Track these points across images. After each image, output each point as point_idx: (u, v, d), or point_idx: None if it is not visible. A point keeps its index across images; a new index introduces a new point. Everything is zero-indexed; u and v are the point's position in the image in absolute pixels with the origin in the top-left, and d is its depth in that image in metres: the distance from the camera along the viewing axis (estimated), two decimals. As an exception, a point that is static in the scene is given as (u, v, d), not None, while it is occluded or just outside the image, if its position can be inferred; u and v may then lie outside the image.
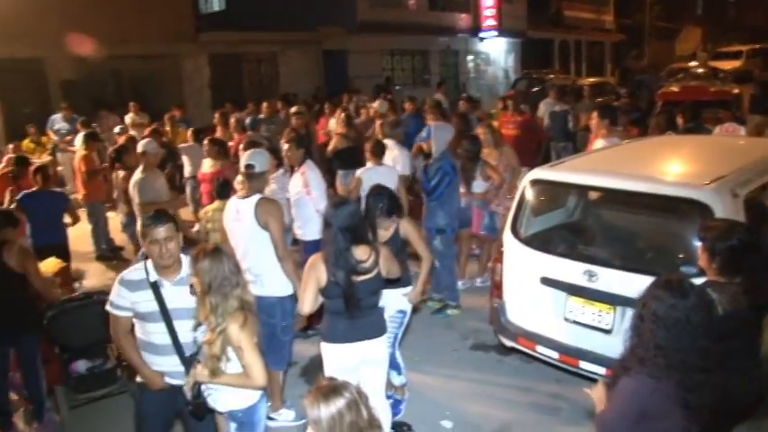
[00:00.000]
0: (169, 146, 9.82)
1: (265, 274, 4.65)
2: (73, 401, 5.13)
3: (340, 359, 3.92)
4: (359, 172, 6.90)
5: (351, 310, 3.80)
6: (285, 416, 4.98)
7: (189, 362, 3.47)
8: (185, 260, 3.55)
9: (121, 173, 7.61)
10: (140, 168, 6.86)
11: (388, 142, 7.65)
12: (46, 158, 11.93)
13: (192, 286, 3.34)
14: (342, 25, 20.29)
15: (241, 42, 18.41)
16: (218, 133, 10.18)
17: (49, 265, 5.95)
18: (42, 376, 5.03)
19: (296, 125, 9.87)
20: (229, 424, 3.46)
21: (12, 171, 8.29)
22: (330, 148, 9.57)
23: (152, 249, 3.43)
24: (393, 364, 4.84)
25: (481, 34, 26.76)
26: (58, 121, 13.13)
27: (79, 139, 10.68)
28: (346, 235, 3.74)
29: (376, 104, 11.25)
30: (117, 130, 11.34)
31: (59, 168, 12.70)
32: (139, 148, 7.08)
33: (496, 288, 5.41)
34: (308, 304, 3.83)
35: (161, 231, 3.41)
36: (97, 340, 5.10)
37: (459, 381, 5.54)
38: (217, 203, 6.22)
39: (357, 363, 3.94)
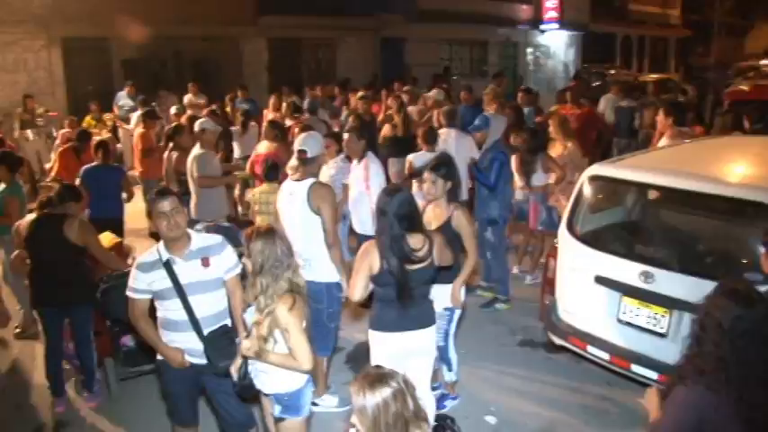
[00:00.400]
0: (226, 127, 9.90)
1: (315, 259, 4.64)
2: (121, 374, 5.24)
3: (388, 348, 3.89)
4: (411, 157, 6.91)
5: (402, 299, 3.76)
6: (328, 402, 4.98)
7: (207, 339, 3.52)
8: (194, 235, 3.69)
9: (175, 153, 7.69)
10: (198, 145, 6.97)
11: (450, 131, 7.60)
12: (106, 135, 12.20)
13: (204, 259, 3.42)
14: (401, 13, 20.18)
15: (300, 27, 18.46)
16: (269, 116, 10.24)
17: (104, 240, 6.06)
18: (93, 348, 5.15)
19: (361, 110, 9.83)
20: (274, 406, 3.47)
21: (74, 146, 8.47)
22: (382, 135, 9.57)
23: (160, 223, 3.54)
24: (445, 360, 4.80)
25: (542, 26, 26.33)
26: (123, 97, 13.56)
27: (137, 117, 10.94)
28: (402, 222, 3.70)
29: (433, 93, 11.15)
30: (174, 110, 11.50)
31: (118, 145, 13.00)
32: (197, 126, 7.18)
33: (548, 284, 5.30)
34: (358, 291, 3.80)
35: (167, 204, 3.52)
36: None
37: (505, 376, 5.47)
38: (265, 186, 6.26)
39: (405, 352, 3.90)
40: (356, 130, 5.98)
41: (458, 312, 4.75)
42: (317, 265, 4.65)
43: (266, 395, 3.54)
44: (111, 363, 5.22)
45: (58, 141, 9.87)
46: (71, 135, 9.99)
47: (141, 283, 3.62)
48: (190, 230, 3.70)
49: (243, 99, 12.98)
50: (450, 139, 7.53)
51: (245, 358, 3.39)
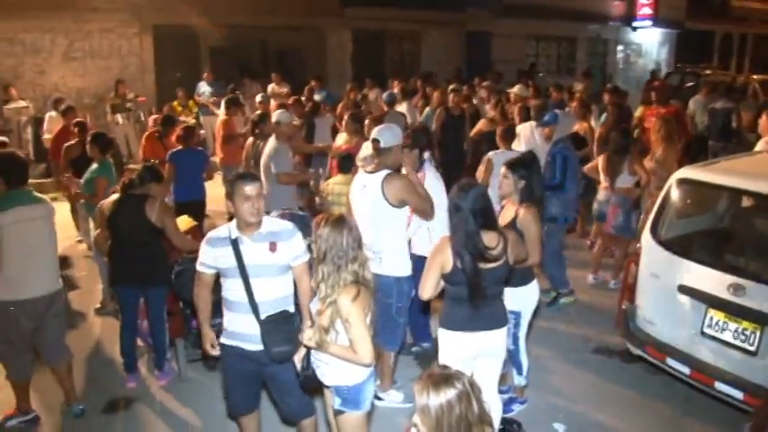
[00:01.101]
0: (308, 117, 9.97)
1: (385, 252, 4.59)
2: (191, 355, 5.35)
3: (456, 347, 3.81)
4: (490, 154, 6.82)
5: (474, 299, 3.67)
6: (393, 397, 4.93)
7: (263, 322, 3.50)
8: (266, 219, 3.72)
9: (261, 143, 7.77)
10: (273, 137, 6.98)
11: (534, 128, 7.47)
12: (191, 121, 12.55)
13: (272, 244, 3.50)
14: (487, 7, 19.90)
15: (385, 19, 18.47)
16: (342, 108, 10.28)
17: (181, 223, 6.19)
18: (166, 328, 5.28)
19: (451, 104, 9.70)
20: (334, 399, 3.44)
21: (158, 130, 8.72)
22: (475, 130, 9.45)
23: (242, 206, 3.53)
24: (515, 363, 4.68)
25: (635, 23, 25.39)
26: (203, 86, 13.96)
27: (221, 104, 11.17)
28: (477, 218, 3.62)
29: (516, 89, 10.92)
30: (258, 98, 11.70)
31: (201, 131, 13.35)
32: (273, 117, 7.22)
33: (628, 291, 5.09)
34: (428, 289, 3.73)
35: (251, 189, 3.53)
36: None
37: (577, 383, 5.28)
38: (339, 177, 6.26)
39: (474, 353, 3.82)
40: (408, 139, 5.61)
41: (527, 316, 4.62)
42: (387, 258, 4.60)
43: (327, 387, 3.51)
44: (181, 343, 5.33)
45: (149, 125, 10.19)
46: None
47: (208, 258, 3.70)
48: (265, 215, 3.73)
49: (318, 89, 13.08)
50: (536, 135, 7.52)
51: (308, 348, 3.37)
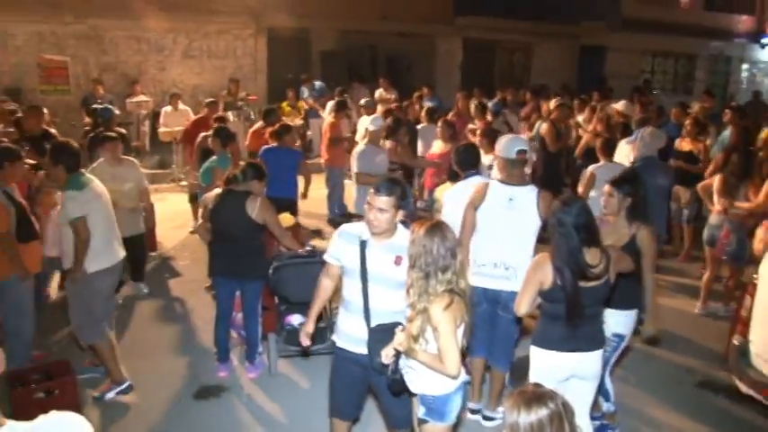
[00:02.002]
0: (411, 124, 9.97)
1: (521, 269, 4.33)
2: (282, 351, 5.41)
3: (550, 367, 3.66)
4: (592, 168, 6.63)
5: (571, 318, 3.52)
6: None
7: (372, 330, 3.43)
8: (401, 230, 3.53)
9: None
10: (365, 141, 7.16)
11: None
12: (298, 122, 12.83)
13: (398, 257, 3.36)
14: (603, 20, 19.34)
15: (497, 30, 18.30)
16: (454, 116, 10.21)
17: (283, 220, 6.28)
18: (259, 322, 5.38)
19: (554, 117, 9.47)
20: (420, 407, 3.37)
21: (263, 126, 8.92)
22: (581, 144, 9.20)
23: (368, 213, 3.46)
24: (601, 390, 4.46)
25: (763, 40, 23.99)
26: (304, 91, 14.24)
27: (329, 107, 11.37)
28: (580, 234, 3.48)
29: (619, 105, 10.48)
30: (362, 102, 11.79)
31: (309, 133, 13.65)
32: (367, 123, 7.34)
33: (741, 324, 4.75)
34: (525, 305, 3.62)
35: (380, 200, 3.41)
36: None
37: (675, 418, 4.96)
38: (449, 185, 6.13)
39: (567, 374, 3.66)
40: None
41: (626, 341, 4.40)
42: (521, 274, 4.44)
43: (413, 395, 3.45)
44: (273, 338, 5.40)
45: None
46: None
47: (336, 249, 3.68)
48: (401, 225, 3.58)
49: (429, 97, 13.07)
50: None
51: (398, 353, 3.31)
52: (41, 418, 1.81)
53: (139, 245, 6.97)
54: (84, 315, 5.01)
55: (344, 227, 3.75)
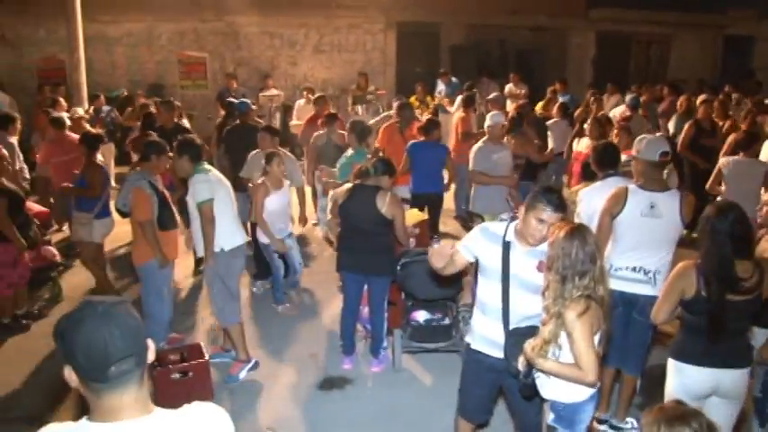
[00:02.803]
0: (539, 119, 9.73)
1: (662, 273, 4.28)
2: (407, 347, 5.46)
3: (688, 382, 3.50)
4: (722, 162, 6.25)
5: (714, 332, 3.35)
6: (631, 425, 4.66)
7: (510, 333, 3.36)
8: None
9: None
10: (484, 138, 7.07)
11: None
12: (427, 117, 12.80)
13: (541, 263, 3.25)
14: (752, 8, 18.00)
15: (632, 21, 17.53)
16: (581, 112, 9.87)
17: (410, 216, 6.33)
18: (385, 317, 5.46)
19: (701, 116, 8.94)
20: (550, 413, 3.30)
21: (398, 122, 8.95)
22: (726, 144, 8.64)
23: (530, 222, 3.29)
24: (759, 412, 4.15)
25: None
26: (439, 84, 14.18)
27: (458, 101, 11.32)
28: (735, 244, 3.30)
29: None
30: (491, 97, 11.62)
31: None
32: (487, 119, 7.18)
33: None
34: (664, 313, 3.49)
35: (550, 215, 3.24)
36: (440, 296, 5.36)
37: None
38: (583, 185, 5.95)
39: (706, 391, 3.48)
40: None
41: None
42: (660, 279, 4.29)
43: (544, 400, 3.37)
44: (399, 334, 5.45)
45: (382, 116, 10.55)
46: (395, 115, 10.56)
47: (475, 245, 3.56)
48: None
49: (562, 92, 12.73)
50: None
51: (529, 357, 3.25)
52: (186, 408, 1.90)
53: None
54: (224, 296, 5.35)
55: (488, 225, 3.66)
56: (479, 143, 7.01)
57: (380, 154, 7.24)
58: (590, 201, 4.76)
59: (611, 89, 13.17)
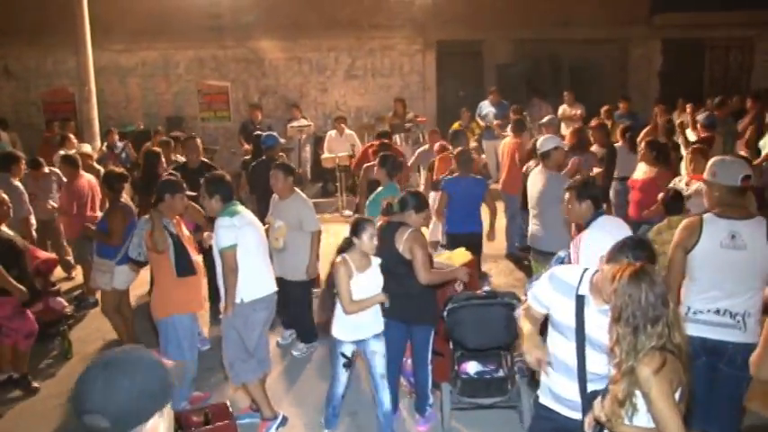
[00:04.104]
0: (609, 143, 9.57)
1: (752, 317, 4.17)
2: (456, 403, 5.35)
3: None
4: None
5: None
6: None
7: (588, 398, 3.28)
8: None
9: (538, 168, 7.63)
10: (541, 165, 6.85)
11: None
12: (472, 144, 12.74)
13: None
14: None
15: (705, 25, 17.11)
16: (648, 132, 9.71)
17: (457, 256, 6.27)
18: (430, 370, 5.37)
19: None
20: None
21: (449, 154, 8.92)
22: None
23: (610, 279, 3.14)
24: None
25: None
26: (485, 106, 14.04)
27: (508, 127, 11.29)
28: None
29: None
30: (545, 120, 11.51)
31: (482, 156, 13.57)
32: (539, 143, 7.03)
33: None
34: None
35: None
36: (493, 344, 5.26)
37: None
38: (666, 221, 5.73)
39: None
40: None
41: None
42: (752, 323, 4.17)
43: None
44: (447, 389, 5.36)
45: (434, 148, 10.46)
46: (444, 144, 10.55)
47: (545, 296, 3.53)
48: None
49: (624, 113, 12.54)
50: None
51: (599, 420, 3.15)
52: None
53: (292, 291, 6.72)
54: (237, 350, 5.34)
55: (557, 271, 3.60)
56: (541, 171, 6.79)
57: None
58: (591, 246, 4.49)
59: (683, 105, 12.83)
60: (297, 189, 6.80)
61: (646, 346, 2.88)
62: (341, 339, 5.04)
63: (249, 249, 5.30)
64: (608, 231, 4.33)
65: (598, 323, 3.29)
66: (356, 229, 4.96)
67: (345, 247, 4.99)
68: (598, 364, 3.32)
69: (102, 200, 6.91)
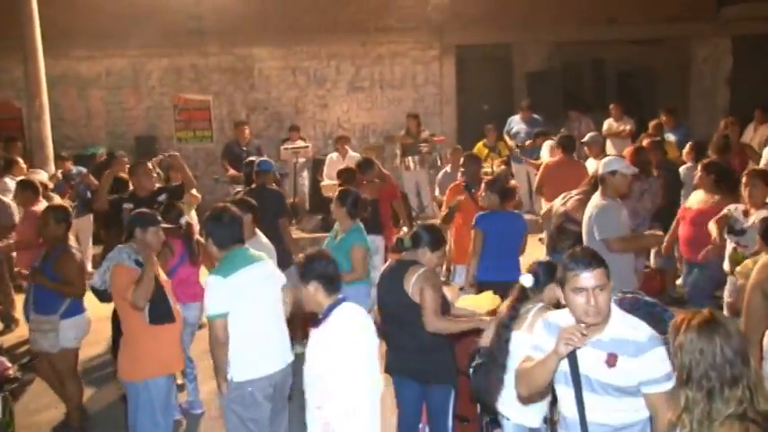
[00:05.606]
0: (668, 164, 9.44)
1: None
2: (488, 478, 5.24)
3: None
4: None
5: None
6: None
7: None
8: (616, 317, 3.49)
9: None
10: (598, 193, 6.64)
11: None
12: (498, 168, 12.59)
13: (610, 356, 3.32)
14: None
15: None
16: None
17: (483, 300, 6.17)
18: (452, 437, 5.25)
19: None
20: None
21: (466, 182, 8.84)
22: None
23: (574, 299, 3.37)
24: None
25: None
26: (516, 122, 14.06)
27: (547, 147, 11.22)
28: None
29: None
30: (586, 138, 11.40)
31: (513, 182, 13.41)
32: (600, 166, 6.85)
33: None
34: None
35: (590, 277, 3.32)
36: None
37: None
38: (764, 257, 5.63)
39: None
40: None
41: None
42: None
43: None
44: (474, 460, 5.27)
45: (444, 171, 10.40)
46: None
47: (543, 343, 3.61)
48: (615, 307, 3.52)
49: (670, 127, 12.33)
50: None
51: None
52: None
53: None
54: None
55: (549, 316, 3.73)
56: (597, 200, 6.58)
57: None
58: None
59: (761, 117, 12.69)
60: (257, 230, 6.67)
61: (722, 413, 2.80)
62: None
63: (249, 316, 4.97)
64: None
65: (592, 360, 3.42)
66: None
67: None
68: (602, 413, 3.43)
69: (42, 243, 6.59)
